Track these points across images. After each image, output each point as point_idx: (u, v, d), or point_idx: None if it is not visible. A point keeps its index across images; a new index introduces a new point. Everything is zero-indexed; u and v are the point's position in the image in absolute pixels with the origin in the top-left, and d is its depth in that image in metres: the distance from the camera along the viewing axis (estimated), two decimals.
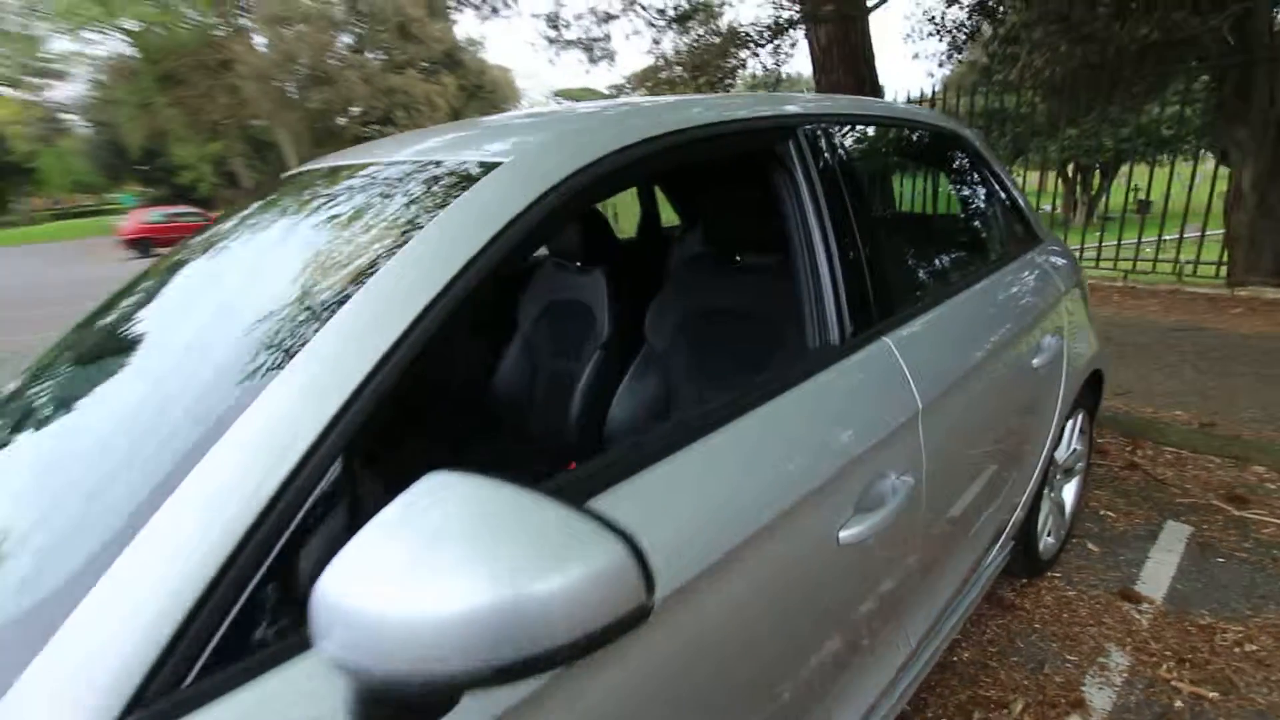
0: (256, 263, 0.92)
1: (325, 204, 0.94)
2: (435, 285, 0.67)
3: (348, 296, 0.67)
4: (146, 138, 23.46)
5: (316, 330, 0.65)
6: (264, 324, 0.71)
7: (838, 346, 1.03)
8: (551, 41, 8.32)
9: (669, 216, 2.94)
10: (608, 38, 8.32)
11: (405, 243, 0.71)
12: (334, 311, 0.66)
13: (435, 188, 0.80)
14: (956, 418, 1.17)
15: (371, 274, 0.69)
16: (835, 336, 1.04)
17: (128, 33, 21.99)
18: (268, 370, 0.64)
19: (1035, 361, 1.49)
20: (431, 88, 26.54)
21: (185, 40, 21.69)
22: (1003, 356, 1.34)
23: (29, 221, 31.65)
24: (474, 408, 2.16)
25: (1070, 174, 17.25)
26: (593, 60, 8.51)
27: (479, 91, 29.04)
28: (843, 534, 0.88)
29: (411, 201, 0.80)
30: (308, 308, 0.69)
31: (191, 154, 24.89)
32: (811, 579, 0.87)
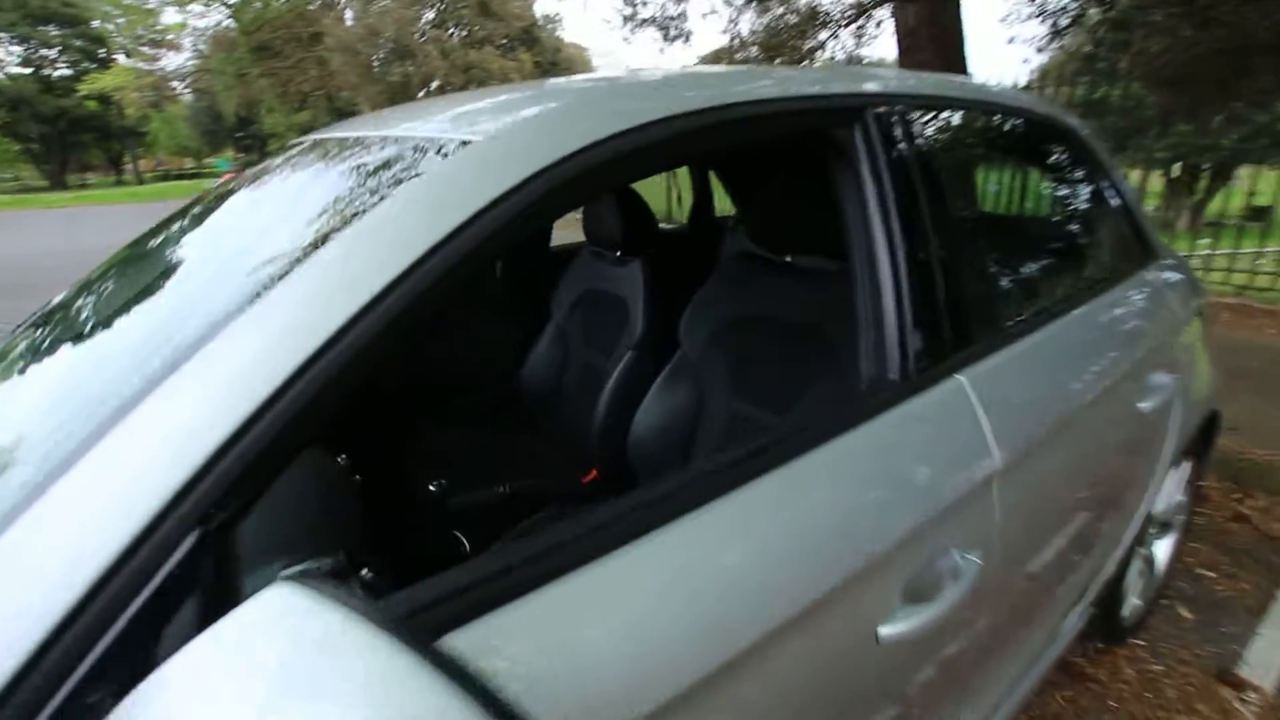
0: (203, 245, 0.82)
1: (294, 183, 0.82)
2: (372, 284, 0.54)
3: (263, 293, 0.55)
4: (241, 106, 24.72)
5: (228, 326, 0.53)
6: (179, 313, 0.61)
7: (897, 383, 0.83)
8: (627, 19, 8.13)
9: (727, 205, 2.75)
10: (683, 16, 8.07)
11: (342, 232, 0.58)
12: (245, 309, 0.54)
13: (399, 169, 0.66)
14: (1042, 477, 0.96)
15: (296, 268, 0.56)
16: (896, 369, 0.84)
17: (228, 5, 23.09)
18: (173, 363, 0.53)
19: (1143, 405, 1.24)
20: (508, 64, 26.77)
21: (280, 13, 22.61)
22: (1104, 400, 1.11)
23: (138, 181, 34.20)
24: (504, 394, 2.06)
25: (1175, 175, 15.76)
26: (668, 39, 8.28)
27: (554, 69, 29.13)
28: (884, 630, 0.70)
29: (369, 184, 0.67)
30: (225, 298, 0.58)
31: (281, 122, 26.11)
32: (840, 683, 0.70)
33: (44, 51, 30.63)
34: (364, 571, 0.63)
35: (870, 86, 0.96)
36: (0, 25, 27.79)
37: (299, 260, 0.57)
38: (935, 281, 0.90)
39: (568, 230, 2.21)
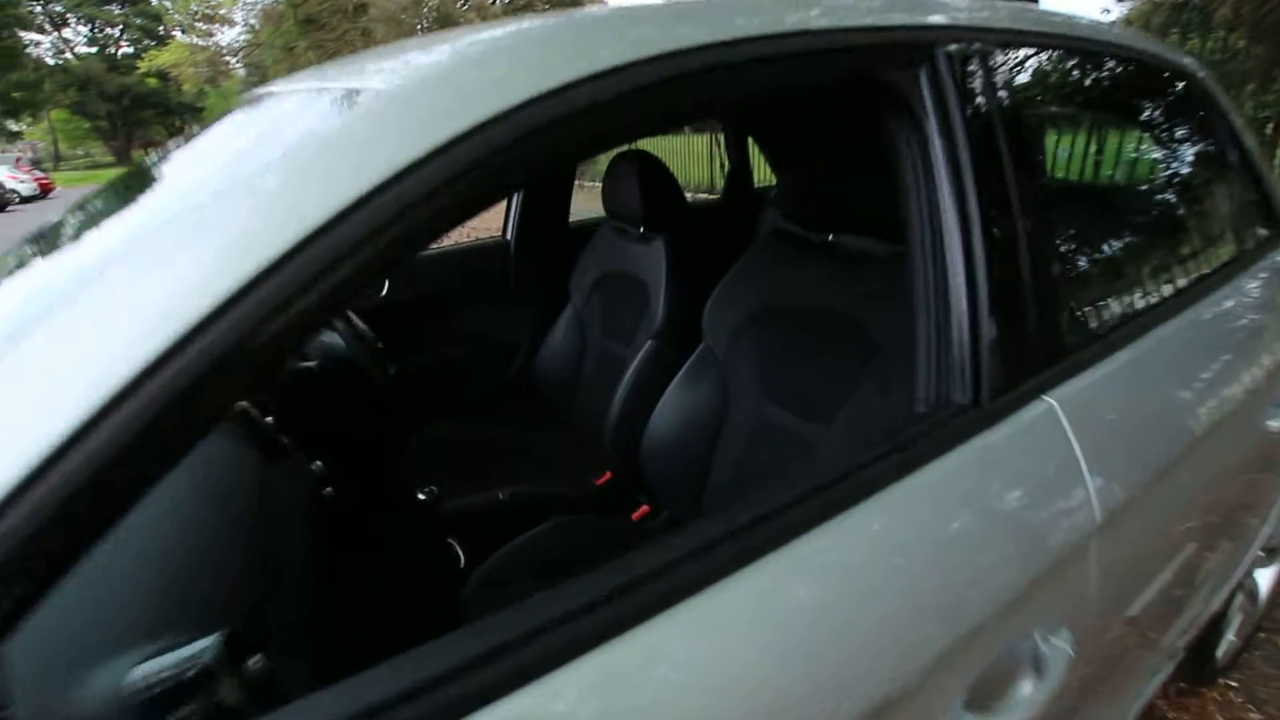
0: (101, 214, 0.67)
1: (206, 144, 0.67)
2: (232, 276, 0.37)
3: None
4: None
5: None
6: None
7: (967, 408, 0.64)
8: None
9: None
10: None
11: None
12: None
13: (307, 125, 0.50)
14: (1150, 524, 0.75)
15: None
16: (966, 388, 0.64)
17: None
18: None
19: (1273, 423, 1.00)
20: None
21: None
22: (1230, 420, 0.88)
23: None
24: (514, 386, 1.92)
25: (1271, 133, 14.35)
26: None
27: None
28: None
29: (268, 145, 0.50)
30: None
31: None
32: None
33: (108, 30, 31.69)
34: (253, 660, 0.48)
35: (941, 18, 0.74)
36: (68, 5, 28.79)
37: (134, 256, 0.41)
38: (1021, 272, 0.69)
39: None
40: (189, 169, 0.67)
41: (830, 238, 1.11)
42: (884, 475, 0.55)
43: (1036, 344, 0.69)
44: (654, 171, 1.53)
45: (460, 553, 1.28)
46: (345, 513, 1.10)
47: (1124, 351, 0.78)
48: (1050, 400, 0.67)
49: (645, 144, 1.70)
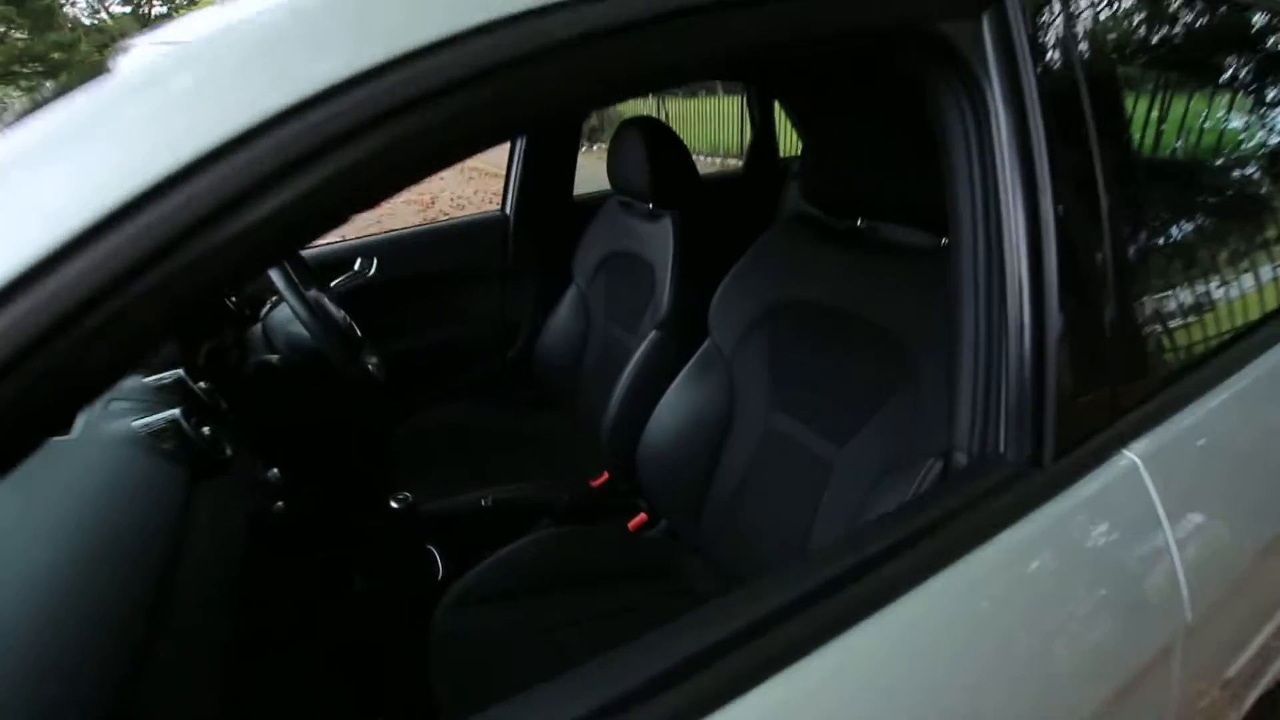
0: None
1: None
2: None
3: None
4: None
5: None
6: None
7: (1024, 468, 0.49)
8: None
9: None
10: None
11: None
12: None
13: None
14: (1247, 608, 0.59)
15: None
16: (1024, 440, 0.49)
17: None
18: None
19: None
20: None
21: None
22: None
23: None
24: (508, 374, 1.80)
25: None
26: None
27: None
28: None
29: None
30: None
31: None
32: None
33: None
34: None
35: None
36: None
37: None
38: (1104, 283, 0.53)
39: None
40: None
41: (859, 224, 0.95)
42: (907, 572, 0.41)
43: (1119, 378, 0.54)
44: (663, 140, 1.37)
45: (439, 561, 1.18)
46: (300, 527, 1.01)
47: (1229, 387, 0.61)
48: (1132, 456, 0.52)
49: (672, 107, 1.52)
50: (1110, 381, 0.53)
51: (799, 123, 1.92)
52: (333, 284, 1.59)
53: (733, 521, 1.02)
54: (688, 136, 2.37)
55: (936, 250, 0.82)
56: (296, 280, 1.10)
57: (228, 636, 0.66)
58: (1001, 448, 0.50)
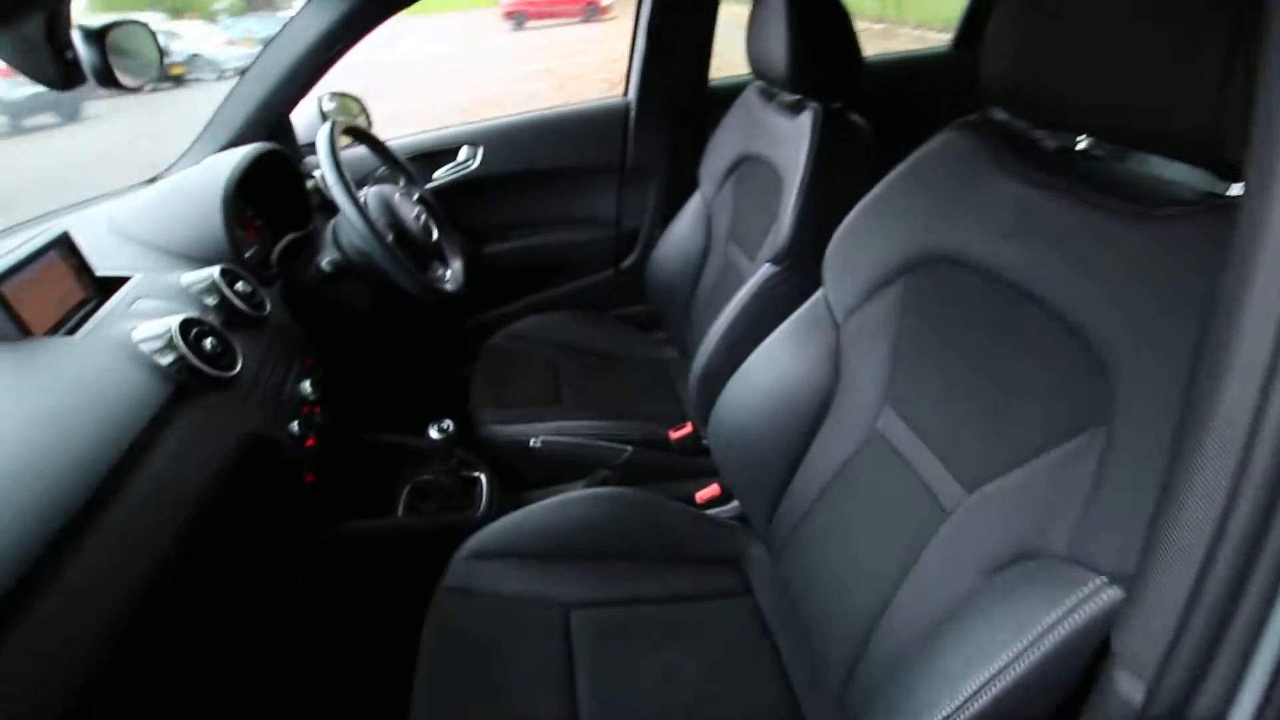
0: None
1: None
2: None
3: None
4: None
5: None
6: None
7: None
8: None
9: None
10: None
11: None
12: None
13: None
14: None
15: None
16: None
17: None
18: None
19: None
20: None
21: None
22: None
23: None
24: (633, 273, 1.61)
25: None
26: None
27: None
28: None
29: None
30: None
31: None
32: None
33: None
34: None
35: None
36: None
37: None
38: None
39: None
40: None
41: (1081, 143, 0.58)
42: None
43: None
44: (815, 2, 1.00)
45: (485, 488, 1.09)
46: (324, 443, 0.95)
47: None
48: None
49: None
50: None
51: None
52: (434, 175, 1.49)
53: (801, 534, 0.78)
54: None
55: (1214, 204, 0.45)
56: (347, 179, 0.98)
57: (170, 549, 0.62)
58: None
